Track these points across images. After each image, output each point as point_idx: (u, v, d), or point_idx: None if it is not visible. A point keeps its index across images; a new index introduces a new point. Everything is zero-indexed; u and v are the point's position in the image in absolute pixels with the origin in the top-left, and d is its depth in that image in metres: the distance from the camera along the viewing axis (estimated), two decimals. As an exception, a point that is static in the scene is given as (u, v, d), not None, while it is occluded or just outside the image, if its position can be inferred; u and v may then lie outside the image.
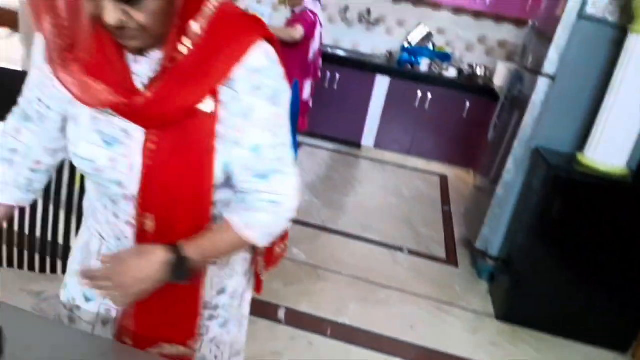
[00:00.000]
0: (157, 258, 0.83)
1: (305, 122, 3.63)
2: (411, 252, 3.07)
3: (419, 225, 3.44)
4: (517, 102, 2.86)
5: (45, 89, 0.87)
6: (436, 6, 4.81)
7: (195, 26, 0.77)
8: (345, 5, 4.90)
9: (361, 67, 4.58)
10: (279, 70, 0.83)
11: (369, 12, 4.90)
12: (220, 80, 0.78)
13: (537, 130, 2.62)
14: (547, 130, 2.60)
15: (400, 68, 4.64)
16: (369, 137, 4.76)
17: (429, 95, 4.49)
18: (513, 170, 2.72)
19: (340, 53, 4.86)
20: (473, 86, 4.47)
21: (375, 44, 5.06)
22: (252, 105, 0.81)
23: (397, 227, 3.37)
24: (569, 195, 2.32)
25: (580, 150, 2.43)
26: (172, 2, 0.72)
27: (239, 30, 0.80)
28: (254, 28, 0.82)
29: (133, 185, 0.84)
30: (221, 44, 0.78)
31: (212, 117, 0.80)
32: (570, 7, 2.43)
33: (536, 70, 2.63)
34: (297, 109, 3.43)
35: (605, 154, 2.29)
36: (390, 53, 4.88)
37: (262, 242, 0.93)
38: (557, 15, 2.51)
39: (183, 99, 0.78)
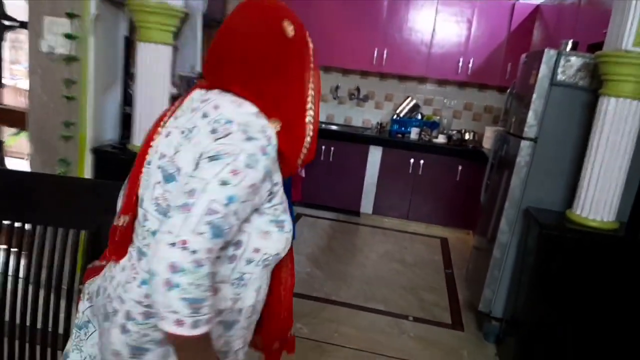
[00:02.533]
0: None
1: (299, 192, 3.72)
2: (416, 320, 3.06)
3: (423, 291, 3.45)
4: (505, 163, 2.97)
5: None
6: (421, 80, 5.08)
7: None
8: (336, 85, 5.17)
9: (354, 140, 4.77)
10: None
11: (358, 89, 5.16)
12: None
13: (525, 191, 2.71)
14: (535, 190, 2.69)
15: (391, 138, 4.83)
16: (367, 204, 4.86)
17: (422, 162, 4.63)
18: (507, 230, 2.78)
19: (334, 128, 5.07)
20: (463, 151, 4.63)
21: (366, 117, 5.29)
22: None
23: (401, 294, 3.37)
24: (563, 252, 2.37)
25: (570, 207, 2.51)
26: None
27: None
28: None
29: None
30: None
31: None
32: (542, 75, 2.60)
33: (518, 135, 2.76)
34: (289, 180, 3.52)
35: (593, 209, 2.36)
36: (381, 125, 5.08)
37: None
38: (531, 84, 2.68)
39: None
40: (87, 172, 2.67)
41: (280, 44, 1.01)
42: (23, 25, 3.11)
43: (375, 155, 4.73)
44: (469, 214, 4.49)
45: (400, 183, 4.73)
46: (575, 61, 2.55)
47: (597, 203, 2.36)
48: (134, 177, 1.04)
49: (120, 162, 2.64)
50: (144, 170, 1.02)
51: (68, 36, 2.49)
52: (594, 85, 2.50)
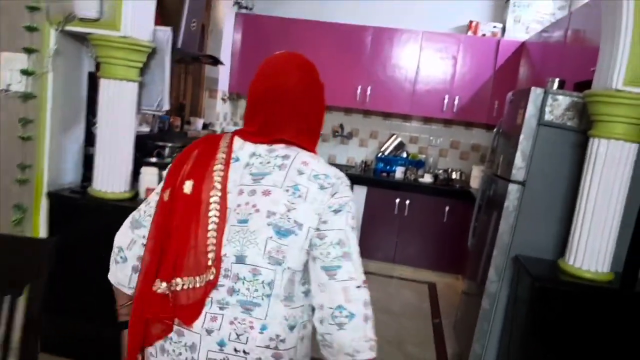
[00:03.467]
0: None
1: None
2: (401, 376, 2.82)
3: (409, 345, 3.21)
4: (493, 205, 2.81)
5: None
6: (406, 117, 4.97)
7: None
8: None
9: (338, 179, 4.59)
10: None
11: (342, 126, 5.04)
12: None
13: (514, 237, 2.54)
14: (525, 236, 2.52)
15: (376, 177, 4.67)
16: (351, 248, 4.65)
17: (407, 202, 4.47)
18: (496, 279, 2.59)
19: (317, 166, 4.91)
20: (450, 191, 4.48)
21: (350, 155, 5.15)
22: None
23: (387, 349, 3.13)
24: (557, 305, 2.18)
25: (562, 256, 2.34)
26: None
27: None
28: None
29: None
30: None
31: None
32: (529, 114, 2.47)
33: (506, 177, 2.61)
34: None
35: (587, 260, 2.19)
36: (365, 163, 4.94)
37: None
38: (518, 123, 2.55)
39: None
40: (43, 219, 2.46)
41: (323, 95, 1.22)
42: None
43: (359, 194, 4.57)
44: (457, 257, 4.30)
45: (386, 224, 4.55)
46: (563, 100, 2.43)
47: (591, 253, 2.18)
48: (202, 237, 1.08)
49: (79, 207, 2.45)
50: (227, 229, 1.08)
51: (25, 72, 2.33)
52: (583, 125, 2.37)
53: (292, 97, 1.15)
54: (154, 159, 3.00)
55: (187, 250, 1.07)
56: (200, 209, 1.09)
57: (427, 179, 4.64)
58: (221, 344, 1.06)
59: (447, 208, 4.40)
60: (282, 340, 1.08)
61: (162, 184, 1.18)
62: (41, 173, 2.43)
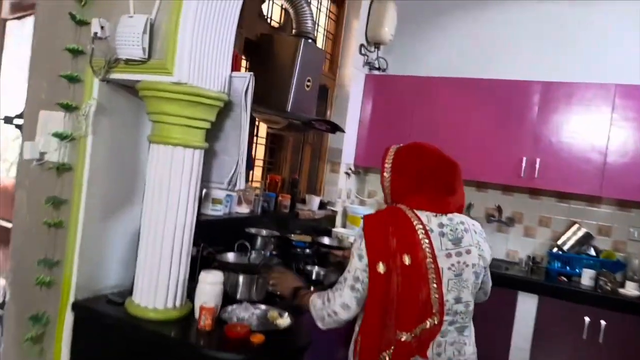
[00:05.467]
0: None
1: None
2: None
3: None
4: None
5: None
6: (592, 200, 3.64)
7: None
8: (468, 203, 3.94)
9: (495, 280, 3.38)
10: (358, 229, 1.51)
11: (499, 209, 3.86)
12: None
13: None
14: None
15: (551, 282, 3.35)
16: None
17: (603, 323, 3.06)
18: None
19: (465, 261, 3.75)
20: (673, 310, 2.98)
21: (511, 247, 3.90)
22: None
23: None
24: None
25: None
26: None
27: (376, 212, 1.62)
28: (372, 214, 1.57)
29: None
30: None
31: None
32: None
33: None
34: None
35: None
36: (533, 260, 3.65)
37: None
38: None
39: None
40: (66, 340, 1.76)
41: None
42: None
43: (527, 304, 3.28)
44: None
45: (569, 349, 3.16)
46: None
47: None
48: (427, 293, 1.42)
49: (107, 328, 1.69)
50: (446, 282, 1.45)
51: (58, 135, 1.73)
52: None
53: (458, 171, 1.58)
54: (231, 257, 2.18)
55: (418, 305, 1.41)
56: (421, 272, 1.42)
57: (632, 289, 3.19)
58: None
59: (669, 337, 2.90)
60: (475, 346, 1.58)
61: (359, 261, 1.46)
62: (69, 273, 1.75)
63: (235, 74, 1.79)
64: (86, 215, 1.75)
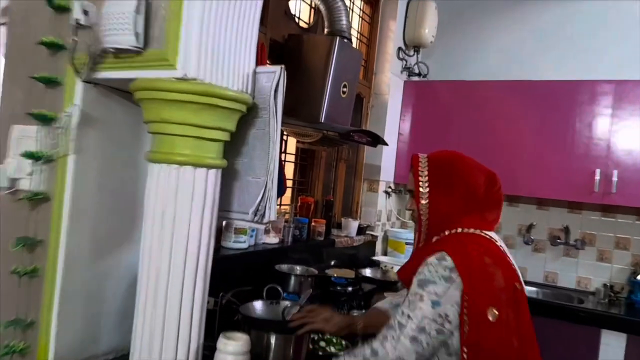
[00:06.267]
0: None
1: None
2: None
3: None
4: None
5: None
6: (681, 215, 3.09)
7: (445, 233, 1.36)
8: (529, 223, 3.41)
9: (566, 314, 2.85)
10: (440, 270, 1.23)
11: (567, 230, 3.32)
12: (415, 270, 1.29)
13: None
14: None
15: (638, 317, 2.80)
16: None
17: None
18: None
19: (531, 290, 3.22)
20: None
21: (582, 274, 3.35)
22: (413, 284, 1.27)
23: None
24: None
25: None
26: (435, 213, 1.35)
27: (444, 242, 1.32)
28: (450, 245, 1.28)
29: None
30: (427, 249, 1.32)
31: None
32: None
33: None
34: None
35: None
36: (611, 289, 3.10)
37: None
38: None
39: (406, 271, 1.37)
40: None
41: None
42: None
43: (613, 345, 2.73)
44: None
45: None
46: None
47: None
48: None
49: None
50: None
51: (30, 155, 1.31)
52: None
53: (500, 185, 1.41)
54: (258, 308, 1.71)
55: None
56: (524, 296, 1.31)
57: None
58: None
59: None
60: None
61: (431, 308, 1.21)
62: (46, 338, 1.32)
63: (261, 68, 1.35)
64: (68, 260, 1.32)
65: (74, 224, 1.32)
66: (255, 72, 1.34)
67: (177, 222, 1.21)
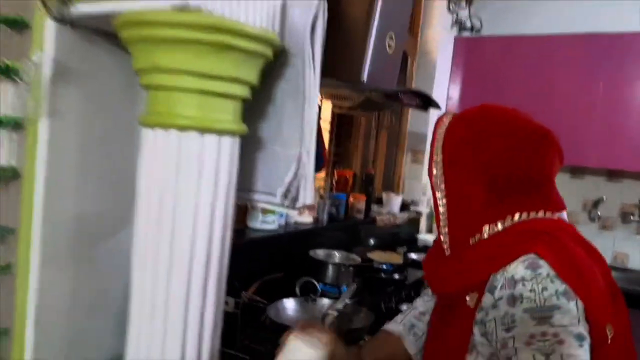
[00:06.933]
0: None
1: None
2: None
3: None
4: None
5: None
6: None
7: (485, 229, 0.91)
8: (596, 198, 3.00)
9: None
10: (547, 285, 0.81)
11: (644, 207, 2.90)
12: (476, 281, 0.87)
13: None
14: None
15: None
16: None
17: None
18: None
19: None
20: None
21: (658, 257, 2.94)
22: (511, 316, 0.81)
23: None
24: None
25: None
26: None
27: (517, 241, 0.88)
28: (535, 242, 0.86)
29: None
30: (495, 251, 0.88)
31: (471, 314, 0.86)
32: None
33: None
34: None
35: None
36: (696, 276, 2.69)
37: None
38: None
39: (452, 281, 0.94)
40: None
41: None
42: None
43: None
44: None
45: None
46: None
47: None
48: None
49: None
50: None
51: (-8, 120, 1.01)
52: None
53: None
54: (290, 309, 1.40)
55: None
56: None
57: None
58: None
59: None
60: None
61: (578, 347, 0.78)
62: (20, 348, 1.04)
63: (292, 2, 1.00)
64: (45, 252, 1.02)
65: (50, 207, 1.02)
66: (285, 4, 0.99)
67: (180, 207, 0.89)
